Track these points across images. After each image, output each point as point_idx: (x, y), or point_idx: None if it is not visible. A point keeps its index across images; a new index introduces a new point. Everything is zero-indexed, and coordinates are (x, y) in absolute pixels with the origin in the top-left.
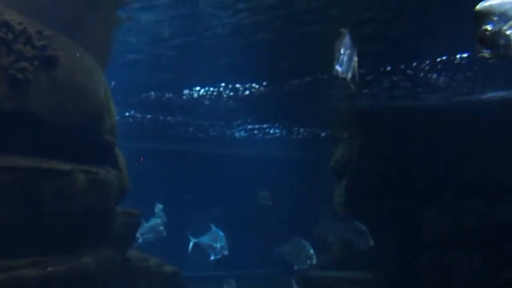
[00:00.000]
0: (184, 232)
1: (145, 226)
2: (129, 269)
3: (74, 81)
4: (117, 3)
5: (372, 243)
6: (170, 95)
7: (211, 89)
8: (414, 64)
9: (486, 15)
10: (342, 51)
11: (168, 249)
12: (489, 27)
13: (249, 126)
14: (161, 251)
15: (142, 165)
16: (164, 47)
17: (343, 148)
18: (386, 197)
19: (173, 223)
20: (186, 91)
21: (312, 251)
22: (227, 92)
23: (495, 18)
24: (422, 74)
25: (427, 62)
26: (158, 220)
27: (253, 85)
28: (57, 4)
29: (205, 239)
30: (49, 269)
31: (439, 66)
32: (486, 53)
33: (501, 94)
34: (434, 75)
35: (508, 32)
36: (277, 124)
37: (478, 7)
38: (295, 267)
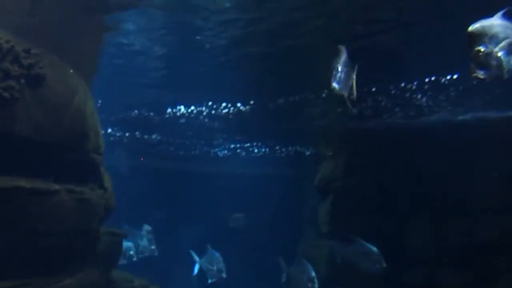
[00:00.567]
0: (179, 252)
1: (140, 245)
2: None
3: (60, 100)
4: (105, 22)
5: (385, 265)
6: (152, 113)
7: (194, 108)
8: (398, 85)
9: (479, 37)
10: (339, 68)
11: (150, 265)
12: (481, 48)
13: (232, 145)
14: (144, 268)
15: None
16: (149, 65)
17: (328, 167)
18: (371, 215)
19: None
20: (169, 110)
21: (313, 274)
22: (210, 111)
23: (487, 40)
24: (407, 95)
25: (412, 83)
26: (145, 240)
27: (237, 104)
28: (46, 23)
29: (201, 261)
30: None
31: (426, 87)
32: (479, 74)
33: (481, 115)
34: (419, 96)
35: (499, 54)
36: (261, 143)
37: (470, 28)
38: None
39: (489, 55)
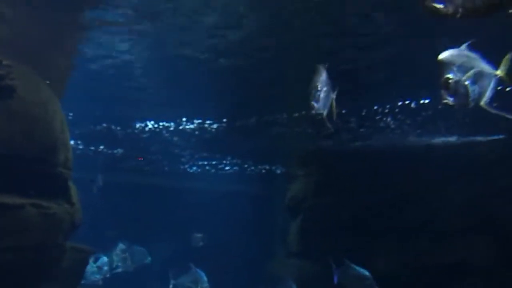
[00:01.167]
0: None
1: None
2: None
3: (29, 112)
4: (78, 36)
5: None
6: (119, 128)
7: (163, 124)
8: (370, 107)
9: (448, 65)
10: (319, 87)
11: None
12: (451, 76)
13: (202, 162)
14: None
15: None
16: (119, 80)
17: (299, 186)
18: (340, 235)
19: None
20: (138, 125)
21: None
22: (178, 126)
23: (455, 69)
24: (377, 117)
25: (383, 106)
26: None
27: (208, 121)
28: (18, 34)
29: (184, 280)
30: None
31: (396, 110)
32: (449, 100)
33: (447, 139)
34: (388, 119)
35: (466, 83)
36: (232, 160)
37: (440, 56)
38: None
39: (457, 83)
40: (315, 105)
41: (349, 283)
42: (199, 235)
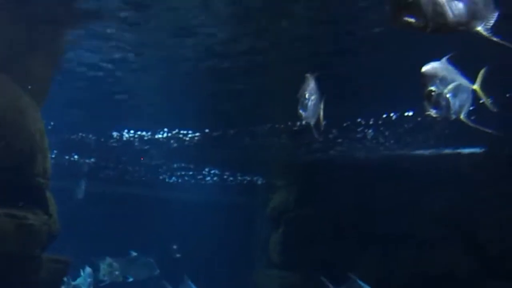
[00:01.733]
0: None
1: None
2: None
3: (6, 120)
4: (59, 45)
5: None
6: (92, 136)
7: (141, 133)
8: (353, 119)
9: (431, 77)
10: (307, 96)
11: None
12: (433, 88)
13: (182, 172)
14: None
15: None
16: (98, 89)
17: (280, 196)
18: (322, 245)
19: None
20: (115, 133)
21: None
22: (154, 135)
23: (437, 81)
24: (359, 129)
25: (366, 118)
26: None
27: (188, 132)
28: None
29: None
30: None
31: (378, 123)
32: (432, 112)
33: (425, 152)
34: (370, 131)
35: (448, 95)
36: (211, 170)
37: (423, 69)
38: None
39: (440, 95)
40: (303, 113)
41: None
42: (175, 246)
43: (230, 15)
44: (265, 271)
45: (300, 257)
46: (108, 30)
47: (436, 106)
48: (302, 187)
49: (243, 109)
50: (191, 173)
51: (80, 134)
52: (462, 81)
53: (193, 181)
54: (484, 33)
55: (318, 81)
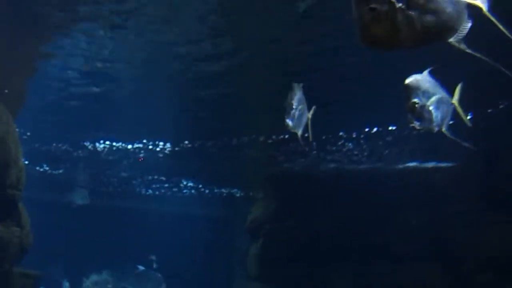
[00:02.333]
0: None
1: None
2: None
3: None
4: (36, 54)
5: None
6: (64, 146)
7: (118, 144)
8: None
9: (414, 90)
10: (294, 106)
11: None
12: (417, 100)
13: (156, 184)
14: None
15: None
16: (75, 99)
17: (259, 209)
18: (300, 258)
19: None
20: (88, 144)
21: None
22: (127, 145)
23: (420, 94)
24: (339, 143)
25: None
26: None
27: (165, 144)
28: None
29: None
30: None
31: (354, 136)
32: (416, 124)
33: (402, 165)
34: (349, 144)
35: (430, 108)
36: (188, 183)
37: (407, 81)
38: None
39: (423, 107)
40: (290, 123)
41: None
42: (152, 257)
43: (204, 31)
44: (244, 284)
45: (278, 270)
46: (83, 42)
47: (419, 118)
48: (281, 200)
49: (220, 121)
50: (167, 185)
51: (54, 144)
52: (443, 94)
53: (169, 193)
54: (457, 44)
55: (305, 91)
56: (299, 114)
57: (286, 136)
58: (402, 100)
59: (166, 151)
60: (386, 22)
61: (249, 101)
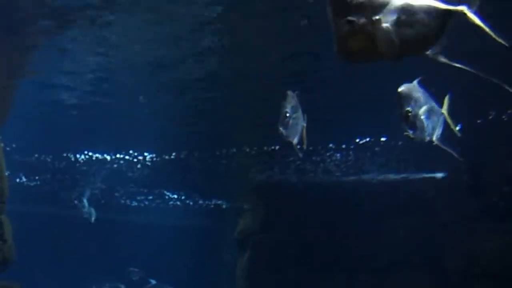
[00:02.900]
0: None
1: None
2: None
3: None
4: (20, 67)
5: None
6: (48, 157)
7: (101, 155)
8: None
9: (407, 98)
10: (288, 114)
11: None
12: (410, 109)
13: (140, 196)
14: None
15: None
16: (56, 110)
17: (247, 220)
18: (288, 269)
19: None
20: (72, 156)
21: None
22: (112, 156)
23: (413, 102)
24: (328, 154)
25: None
26: None
27: (152, 155)
28: None
29: None
30: None
31: (343, 146)
32: (410, 133)
33: (394, 175)
34: (338, 155)
35: (422, 117)
36: (174, 194)
37: (400, 89)
38: None
39: (415, 116)
40: (283, 132)
41: None
42: (135, 269)
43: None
44: None
45: (266, 282)
46: (69, 57)
47: (413, 127)
48: (269, 211)
49: (208, 132)
50: (152, 197)
51: (36, 155)
52: (433, 104)
53: (154, 204)
54: (436, 57)
55: (300, 99)
56: (293, 122)
57: (275, 147)
58: (396, 108)
59: (149, 162)
60: (363, 35)
61: (236, 111)
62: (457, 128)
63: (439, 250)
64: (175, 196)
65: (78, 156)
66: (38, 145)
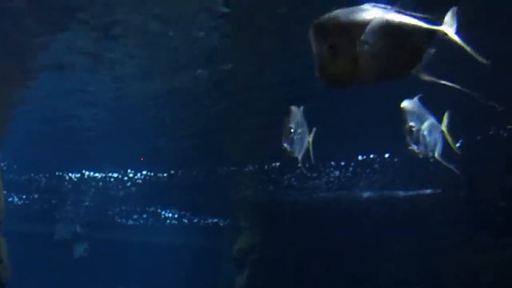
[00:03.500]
0: None
1: None
2: None
3: None
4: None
5: None
6: (42, 175)
7: (97, 174)
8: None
9: (411, 113)
10: (293, 129)
11: None
12: (413, 124)
13: (137, 215)
14: None
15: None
16: (51, 129)
17: (245, 238)
18: (287, 287)
19: None
20: (67, 175)
21: None
22: (107, 175)
23: (415, 118)
24: (327, 171)
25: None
26: None
27: (148, 173)
28: None
29: None
30: None
31: (341, 164)
32: (414, 148)
33: (386, 193)
34: (336, 172)
35: (425, 132)
36: (171, 213)
37: (403, 104)
38: None
39: (419, 131)
40: (288, 147)
41: None
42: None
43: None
44: None
45: None
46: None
47: (416, 142)
48: (267, 229)
49: (206, 150)
50: (147, 215)
51: (31, 174)
52: (433, 120)
53: (150, 223)
54: (420, 75)
55: (305, 114)
56: (298, 138)
57: (274, 165)
58: (399, 123)
59: (149, 181)
60: (345, 59)
61: (234, 128)
62: (457, 145)
63: (436, 266)
64: (171, 215)
65: (68, 174)
66: (30, 164)
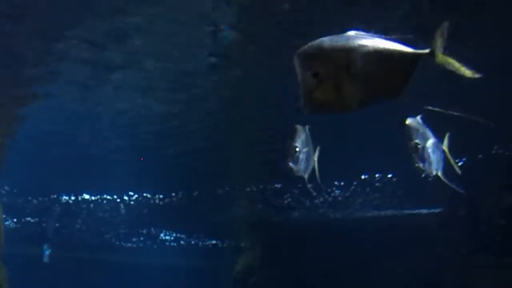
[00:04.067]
0: None
1: None
2: None
3: None
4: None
5: None
6: (43, 198)
7: (94, 196)
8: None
9: (416, 131)
10: (298, 149)
11: None
12: (418, 141)
13: (135, 238)
14: None
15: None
16: (50, 152)
17: (245, 259)
18: None
19: None
20: (65, 197)
21: None
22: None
23: (419, 136)
24: (325, 191)
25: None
26: None
27: (147, 195)
28: None
29: None
30: None
31: (341, 184)
32: (421, 165)
33: (388, 212)
34: (337, 191)
35: (429, 150)
36: (174, 234)
37: (408, 121)
38: None
39: (423, 149)
40: (294, 167)
41: None
42: None
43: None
44: None
45: None
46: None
47: (422, 159)
48: (267, 249)
49: (205, 171)
50: (145, 238)
51: (29, 197)
52: (435, 139)
53: (149, 244)
54: (405, 100)
55: (311, 133)
56: (304, 157)
57: (274, 186)
58: (405, 140)
59: (146, 202)
60: (329, 85)
61: (234, 150)
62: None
63: (439, 282)
64: (172, 237)
65: (64, 197)
66: (26, 187)
